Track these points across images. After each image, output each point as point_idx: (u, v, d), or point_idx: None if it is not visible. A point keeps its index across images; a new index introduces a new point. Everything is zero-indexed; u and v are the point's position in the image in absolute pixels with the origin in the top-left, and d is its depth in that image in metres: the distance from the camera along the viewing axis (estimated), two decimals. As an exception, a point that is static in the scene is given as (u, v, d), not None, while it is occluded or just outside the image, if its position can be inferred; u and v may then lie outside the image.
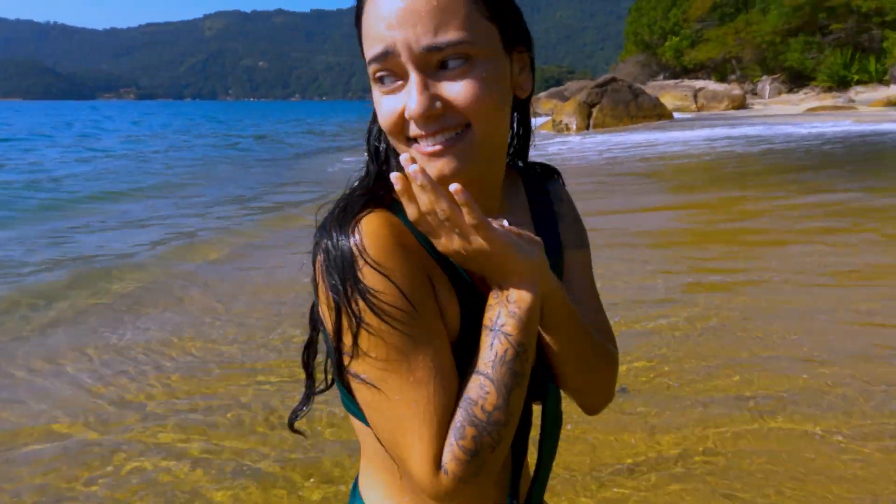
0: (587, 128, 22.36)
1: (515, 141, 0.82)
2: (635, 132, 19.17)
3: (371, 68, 0.66)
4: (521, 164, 0.86)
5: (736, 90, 30.23)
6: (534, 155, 0.89)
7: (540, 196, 0.86)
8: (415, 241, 0.69)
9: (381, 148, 0.76)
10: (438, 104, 0.63)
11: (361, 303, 0.62)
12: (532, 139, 0.83)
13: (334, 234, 0.64)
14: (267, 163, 16.20)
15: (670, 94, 30.09)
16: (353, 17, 0.69)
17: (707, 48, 38.99)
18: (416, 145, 0.66)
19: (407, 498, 0.77)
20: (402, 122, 0.66)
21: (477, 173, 0.68)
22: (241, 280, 4.88)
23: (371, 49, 0.64)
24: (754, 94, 34.62)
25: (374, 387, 0.65)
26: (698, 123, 21.63)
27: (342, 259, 0.63)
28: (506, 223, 0.66)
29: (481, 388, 0.64)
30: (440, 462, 0.64)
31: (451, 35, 0.62)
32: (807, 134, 15.25)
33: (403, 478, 0.73)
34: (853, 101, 25.17)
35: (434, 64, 0.63)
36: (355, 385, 0.66)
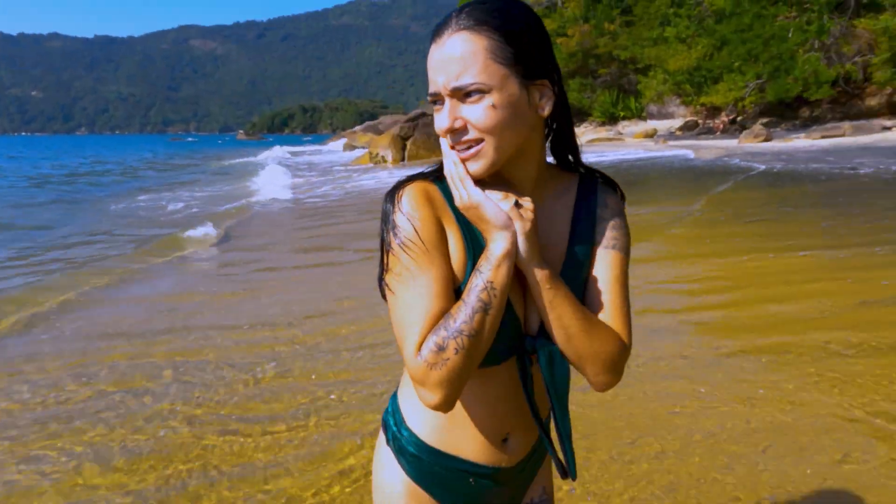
0: (403, 160, 23.27)
1: (551, 146, 1.06)
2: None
3: (429, 98, 0.95)
4: (582, 169, 1.08)
5: (530, 124, 33.76)
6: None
7: (588, 198, 1.06)
8: (443, 202, 0.98)
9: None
10: (459, 122, 0.92)
11: (390, 234, 0.94)
12: (580, 150, 1.07)
13: (388, 196, 0.97)
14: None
15: (475, 127, 32.57)
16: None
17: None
18: (456, 151, 0.95)
19: (412, 392, 1.04)
20: (443, 132, 0.95)
21: (503, 171, 0.97)
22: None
23: (430, 86, 0.94)
24: (546, 127, 39.02)
25: (391, 291, 0.95)
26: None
27: (385, 211, 0.96)
28: (528, 203, 0.94)
29: (457, 307, 0.91)
30: (421, 349, 0.90)
31: (468, 80, 0.90)
32: (595, 161, 17.62)
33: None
34: (621, 133, 29.67)
35: (461, 95, 0.91)
36: (386, 291, 0.96)
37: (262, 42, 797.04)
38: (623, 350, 0.98)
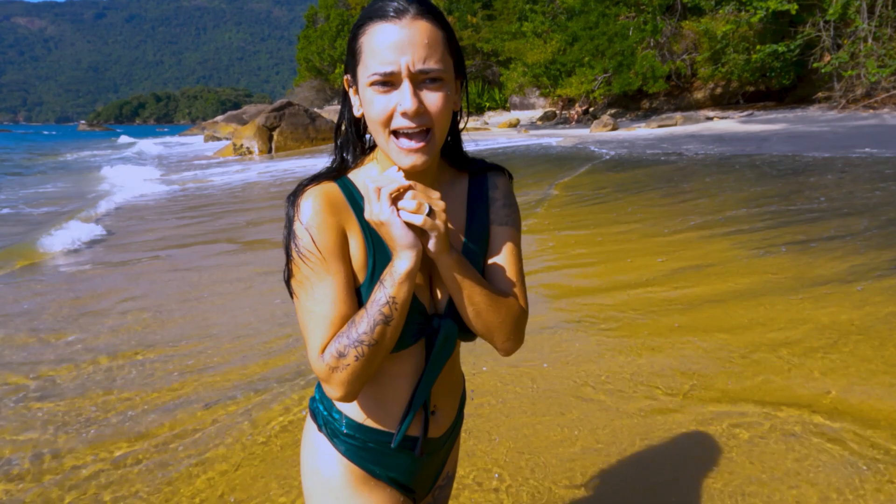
0: (270, 151, 22.45)
1: (450, 140, 1.09)
2: (318, 157, 20.00)
3: (373, 78, 0.92)
4: (465, 161, 1.12)
5: (400, 114, 34.00)
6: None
7: (480, 182, 1.12)
8: (344, 203, 1.00)
9: (340, 142, 1.07)
10: (421, 106, 0.92)
11: (291, 243, 0.97)
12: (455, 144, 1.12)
13: (289, 200, 0.99)
14: None
15: (345, 117, 32.15)
16: (350, 36, 0.98)
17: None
18: (397, 141, 0.95)
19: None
20: (391, 116, 0.93)
21: (430, 163, 0.98)
22: None
23: (380, 66, 0.91)
24: (416, 117, 39.52)
25: (295, 295, 1.00)
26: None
27: (288, 216, 0.99)
28: (440, 203, 0.95)
29: (360, 317, 0.96)
30: (324, 352, 0.97)
31: (434, 64, 0.92)
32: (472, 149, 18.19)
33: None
34: (487, 123, 30.90)
35: (421, 80, 0.92)
36: (293, 295, 1.01)
37: (102, 23, 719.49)
38: (523, 316, 1.07)
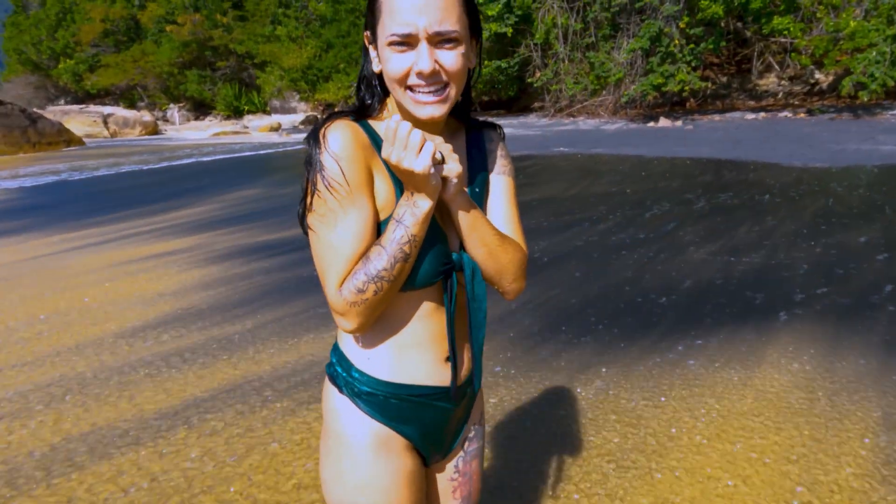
0: (-25, 158, 18.82)
1: (460, 97, 1.08)
2: (50, 161, 17.43)
3: (391, 38, 0.94)
4: (468, 118, 1.17)
5: (147, 116, 31.02)
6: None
7: (477, 136, 1.16)
8: (368, 142, 1.00)
9: (363, 90, 1.08)
10: (437, 66, 0.95)
11: (316, 174, 0.96)
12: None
13: (313, 133, 0.98)
14: None
15: (76, 119, 28.28)
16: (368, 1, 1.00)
17: (108, 74, 38.11)
18: (412, 94, 0.98)
19: (353, 338, 1.10)
20: (407, 74, 0.96)
21: (445, 116, 1.01)
22: None
23: (398, 27, 0.93)
24: (165, 120, 36.36)
25: (313, 230, 0.98)
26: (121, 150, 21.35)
27: (313, 147, 0.97)
28: (447, 146, 0.97)
29: (378, 253, 0.96)
30: (342, 287, 0.98)
31: (450, 26, 0.94)
32: (243, 155, 17.58)
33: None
34: (247, 126, 30.00)
35: (438, 41, 0.95)
36: (309, 231, 1.00)
37: None
38: (525, 258, 1.10)
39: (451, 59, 0.96)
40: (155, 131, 30.07)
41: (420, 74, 0.95)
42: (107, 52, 40.02)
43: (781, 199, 7.01)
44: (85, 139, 24.86)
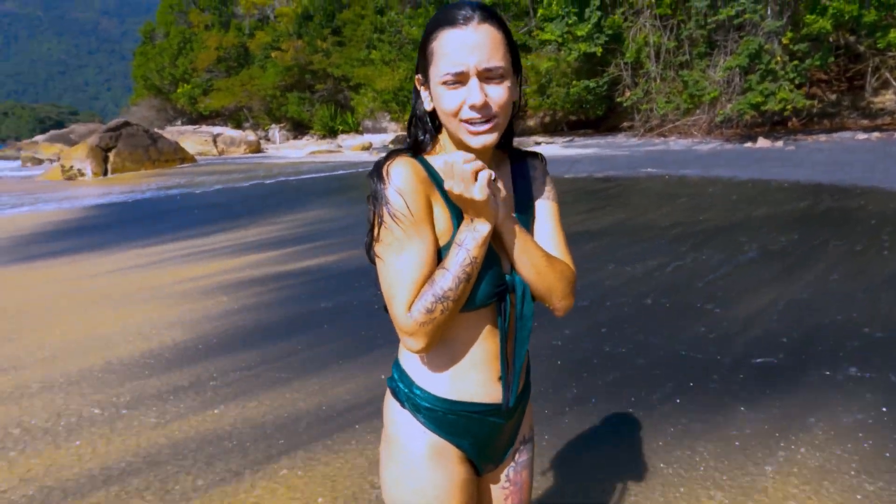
0: (105, 173, 21.05)
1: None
2: (165, 178, 19.16)
3: (445, 77, 1.05)
4: (511, 148, 1.27)
5: (251, 136, 33.36)
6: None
7: (521, 164, 1.26)
8: (426, 176, 1.10)
9: (417, 129, 1.18)
10: (487, 100, 1.05)
11: (382, 207, 1.05)
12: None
13: (376, 169, 1.08)
14: None
15: (190, 139, 30.87)
16: (422, 41, 1.10)
17: (220, 97, 41.37)
18: (468, 126, 1.07)
19: (415, 357, 1.19)
20: (460, 108, 1.06)
21: (495, 144, 1.12)
22: None
23: (451, 67, 1.04)
24: (267, 139, 38.92)
25: (381, 258, 1.07)
26: (220, 170, 23.14)
27: (376, 182, 1.07)
28: (493, 175, 1.05)
29: (442, 275, 1.05)
30: (411, 308, 1.05)
31: (497, 62, 1.05)
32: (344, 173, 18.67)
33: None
34: (340, 146, 31.47)
35: (486, 76, 1.05)
36: (376, 259, 1.09)
37: None
38: (573, 276, 1.17)
39: (499, 92, 1.06)
40: (258, 149, 32.18)
41: (473, 107, 1.05)
42: (218, 77, 43.51)
43: (892, 228, 6.38)
44: (197, 157, 27.09)
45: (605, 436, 2.81)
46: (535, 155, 1.29)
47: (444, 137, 1.18)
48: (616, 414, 2.96)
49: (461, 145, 1.13)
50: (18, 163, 32.25)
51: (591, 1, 20.11)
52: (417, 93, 1.17)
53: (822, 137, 16.62)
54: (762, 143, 16.48)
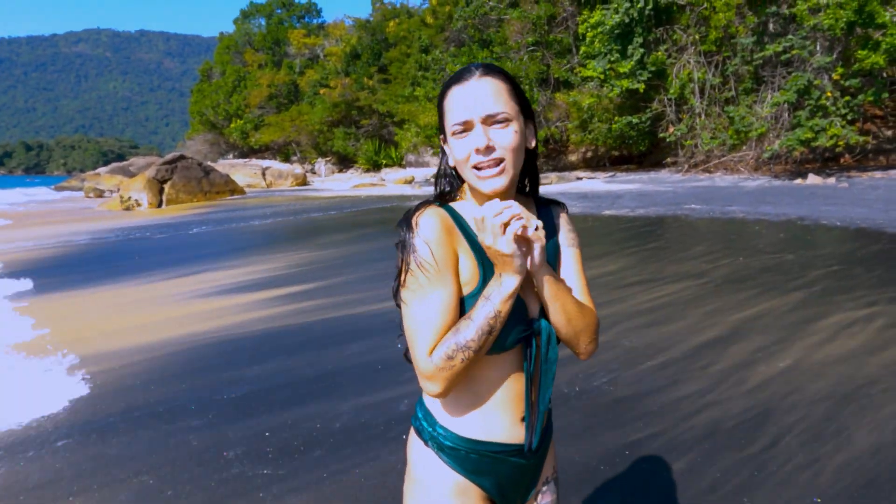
0: (160, 205, 22.05)
1: (527, 178, 1.28)
2: (219, 210, 19.81)
3: (454, 128, 1.13)
4: (536, 195, 1.31)
5: (298, 169, 34.45)
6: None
7: (545, 214, 1.30)
8: (453, 225, 1.14)
9: (442, 180, 1.26)
10: (492, 143, 1.11)
11: (409, 255, 1.10)
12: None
13: (405, 219, 1.13)
14: None
15: (240, 171, 32.11)
16: (438, 99, 1.18)
17: (269, 132, 43.06)
18: (476, 172, 1.12)
19: (437, 401, 1.23)
20: (469, 155, 1.12)
21: (508, 188, 1.15)
22: None
23: (458, 117, 1.12)
24: (313, 172, 40.10)
25: (405, 303, 1.12)
26: (270, 202, 23.88)
27: (405, 231, 1.12)
28: (533, 218, 1.08)
29: (466, 326, 1.08)
30: (432, 354, 1.08)
31: (499, 108, 1.11)
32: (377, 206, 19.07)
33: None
34: (383, 179, 32.12)
35: (491, 122, 1.11)
36: (402, 304, 1.13)
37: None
38: (598, 322, 1.22)
39: (503, 135, 1.11)
40: (304, 182, 33.14)
41: (478, 151, 1.11)
42: (269, 113, 45.39)
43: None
44: (246, 189, 28.09)
45: (633, 479, 2.73)
46: (559, 203, 1.34)
47: (467, 187, 1.24)
48: (647, 456, 2.88)
49: (476, 193, 1.18)
50: (82, 193, 34.10)
51: (635, 38, 20.19)
52: (443, 150, 1.25)
53: (878, 174, 16.02)
54: (812, 179, 16.00)
